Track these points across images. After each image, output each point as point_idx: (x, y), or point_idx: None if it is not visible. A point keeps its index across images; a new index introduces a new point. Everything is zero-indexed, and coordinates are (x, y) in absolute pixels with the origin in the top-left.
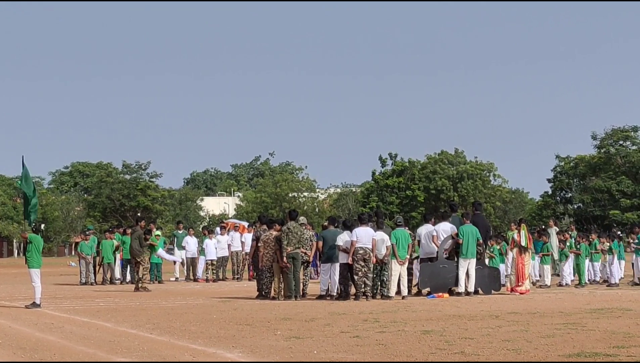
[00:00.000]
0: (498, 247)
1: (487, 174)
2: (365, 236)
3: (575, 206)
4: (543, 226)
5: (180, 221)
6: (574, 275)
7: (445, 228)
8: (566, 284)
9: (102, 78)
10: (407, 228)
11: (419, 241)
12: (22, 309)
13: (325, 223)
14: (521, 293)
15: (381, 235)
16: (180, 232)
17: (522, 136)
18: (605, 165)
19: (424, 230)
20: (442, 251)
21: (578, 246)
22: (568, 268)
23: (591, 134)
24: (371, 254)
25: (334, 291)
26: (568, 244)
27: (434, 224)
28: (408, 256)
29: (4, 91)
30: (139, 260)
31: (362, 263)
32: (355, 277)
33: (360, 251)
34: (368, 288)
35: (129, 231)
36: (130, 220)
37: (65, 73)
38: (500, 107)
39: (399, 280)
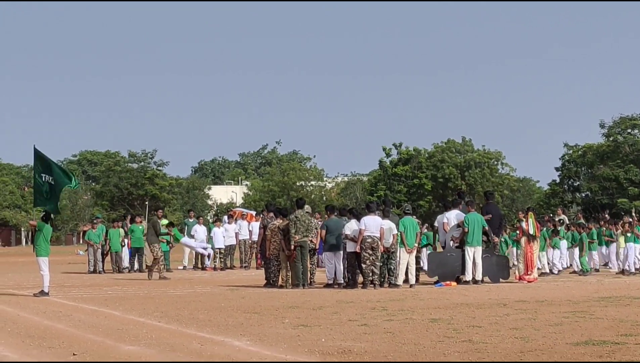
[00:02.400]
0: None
1: (495, 162)
2: (373, 224)
3: (583, 195)
4: (551, 214)
5: (191, 210)
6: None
7: (459, 217)
8: (558, 271)
9: (109, 67)
10: (415, 216)
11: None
12: (30, 297)
13: (328, 213)
14: (529, 282)
15: (388, 224)
16: (191, 220)
17: (529, 124)
18: (614, 153)
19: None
20: (450, 240)
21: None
22: (558, 255)
23: (599, 122)
24: (379, 243)
25: (341, 279)
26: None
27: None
28: (416, 245)
29: (13, 80)
30: (150, 248)
31: (370, 252)
32: (363, 266)
33: (369, 240)
34: (376, 276)
35: (138, 219)
36: (138, 209)
37: (72, 62)
38: (507, 96)
39: (407, 268)
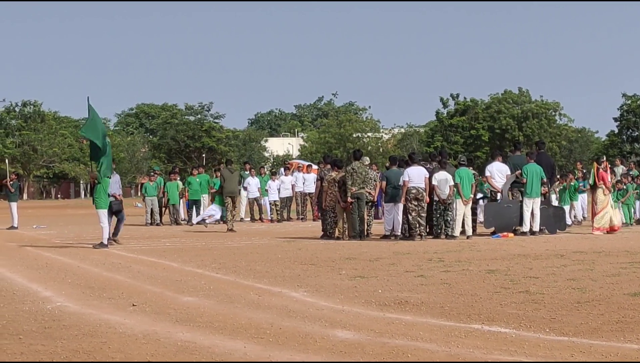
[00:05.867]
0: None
1: (553, 113)
2: (417, 175)
3: None
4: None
5: (247, 162)
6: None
7: (499, 168)
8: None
9: (166, 19)
10: (471, 167)
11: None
12: (89, 249)
13: (388, 163)
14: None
15: (444, 175)
16: (246, 173)
17: (588, 74)
18: None
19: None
20: (507, 192)
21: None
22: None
23: None
24: (424, 193)
25: (399, 231)
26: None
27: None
28: (472, 196)
29: (71, 32)
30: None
31: (415, 203)
32: (410, 217)
33: (413, 191)
34: (422, 227)
35: (195, 172)
36: (195, 161)
37: (130, 14)
38: (565, 46)
39: (463, 219)
